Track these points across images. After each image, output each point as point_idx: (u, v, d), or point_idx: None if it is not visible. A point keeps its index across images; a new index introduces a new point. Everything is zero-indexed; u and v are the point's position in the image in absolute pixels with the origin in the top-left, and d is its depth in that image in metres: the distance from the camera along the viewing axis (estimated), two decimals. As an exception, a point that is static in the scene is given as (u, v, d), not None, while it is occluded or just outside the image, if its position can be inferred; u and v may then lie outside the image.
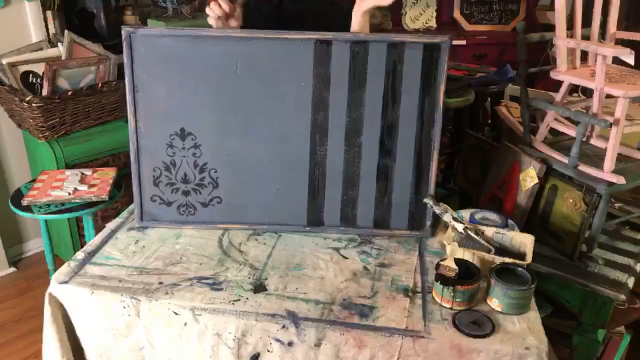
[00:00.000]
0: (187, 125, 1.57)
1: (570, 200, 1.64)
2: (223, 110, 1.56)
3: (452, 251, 1.42)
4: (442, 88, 1.52)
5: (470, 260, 1.42)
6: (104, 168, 2.37)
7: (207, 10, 1.64)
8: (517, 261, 1.40)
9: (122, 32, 1.48)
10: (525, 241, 1.51)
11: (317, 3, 1.82)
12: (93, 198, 2.12)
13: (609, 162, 1.61)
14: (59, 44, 2.58)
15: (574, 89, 2.14)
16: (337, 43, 1.49)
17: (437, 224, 1.68)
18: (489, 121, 2.57)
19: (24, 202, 2.11)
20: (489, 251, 1.46)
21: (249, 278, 1.45)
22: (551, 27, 1.71)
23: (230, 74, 1.52)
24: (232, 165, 1.61)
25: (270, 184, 1.62)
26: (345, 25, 1.66)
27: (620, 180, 1.59)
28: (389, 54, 1.50)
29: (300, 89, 1.53)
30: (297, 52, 1.50)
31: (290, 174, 1.61)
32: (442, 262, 1.37)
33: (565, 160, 1.70)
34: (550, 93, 2.44)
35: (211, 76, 1.53)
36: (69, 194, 2.13)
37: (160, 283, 1.41)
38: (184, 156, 1.60)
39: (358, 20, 1.64)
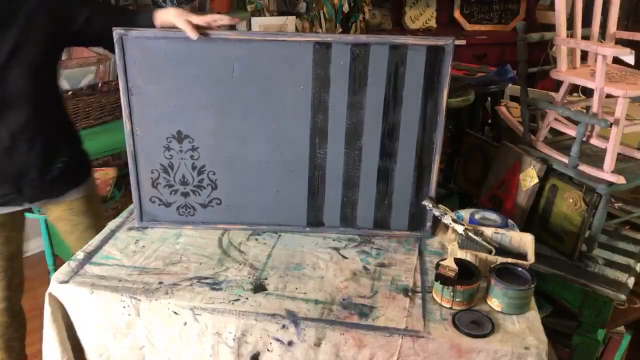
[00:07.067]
0: (184, 127, 1.55)
1: (570, 200, 1.64)
2: (220, 113, 1.54)
3: (452, 251, 1.42)
4: (446, 91, 1.49)
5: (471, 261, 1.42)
6: (104, 168, 2.37)
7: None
8: (519, 261, 1.40)
9: (114, 34, 1.44)
10: (525, 241, 1.51)
11: None
12: (93, 198, 2.12)
13: (609, 162, 1.61)
14: (59, 44, 2.57)
15: (574, 88, 2.14)
16: (337, 45, 1.46)
17: (438, 224, 1.68)
18: (489, 121, 2.56)
19: (24, 202, 2.10)
20: (490, 252, 1.46)
21: (249, 278, 1.45)
22: (551, 27, 1.71)
23: (227, 77, 1.49)
24: (230, 167, 1.60)
25: (269, 186, 1.62)
26: None
27: (620, 180, 1.59)
28: (391, 56, 1.46)
29: (299, 91, 1.51)
30: (296, 55, 1.47)
31: (289, 176, 1.60)
32: (442, 262, 1.37)
33: (565, 160, 1.70)
34: (550, 93, 2.44)
35: (207, 79, 1.50)
36: (69, 194, 2.12)
37: (160, 283, 1.41)
38: (181, 158, 1.59)
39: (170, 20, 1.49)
